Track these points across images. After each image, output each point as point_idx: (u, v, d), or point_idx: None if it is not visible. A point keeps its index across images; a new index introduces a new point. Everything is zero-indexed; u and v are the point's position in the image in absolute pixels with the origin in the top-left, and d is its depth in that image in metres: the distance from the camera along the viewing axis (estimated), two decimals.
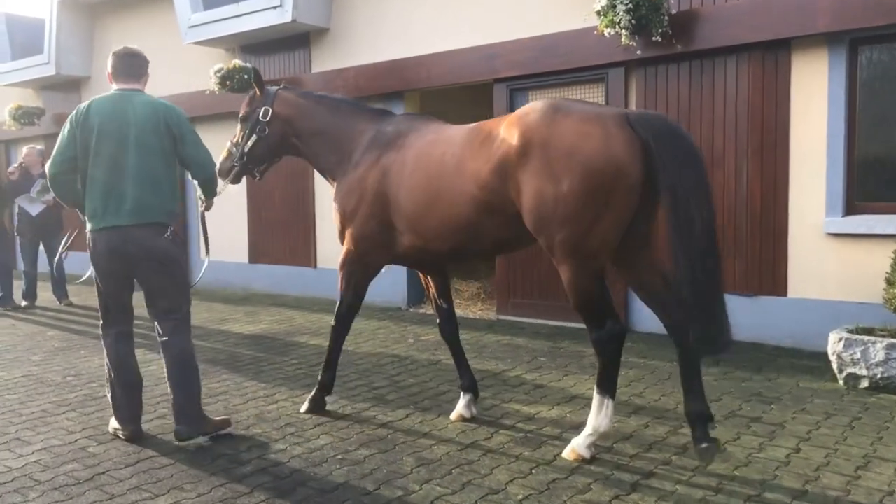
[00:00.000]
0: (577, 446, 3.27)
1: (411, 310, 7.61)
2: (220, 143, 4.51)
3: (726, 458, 3.27)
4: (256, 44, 8.70)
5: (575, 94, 6.39)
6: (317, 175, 8.06)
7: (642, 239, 3.16)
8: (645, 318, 6.05)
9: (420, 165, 3.49)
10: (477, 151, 3.26)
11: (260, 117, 4.03)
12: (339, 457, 3.38)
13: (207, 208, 4.10)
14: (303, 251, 8.60)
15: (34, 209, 7.95)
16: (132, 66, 3.67)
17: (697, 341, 2.98)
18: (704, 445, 3.02)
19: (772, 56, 5.41)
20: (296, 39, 8.41)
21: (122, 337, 3.69)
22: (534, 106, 3.17)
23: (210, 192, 3.92)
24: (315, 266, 8.51)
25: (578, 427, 3.65)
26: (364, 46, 7.86)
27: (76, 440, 3.68)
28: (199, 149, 3.69)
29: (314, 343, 5.95)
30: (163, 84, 9.65)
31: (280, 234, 8.84)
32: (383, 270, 7.56)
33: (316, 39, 8.31)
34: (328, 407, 4.11)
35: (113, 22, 10.73)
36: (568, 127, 2.98)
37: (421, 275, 4.17)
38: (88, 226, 3.54)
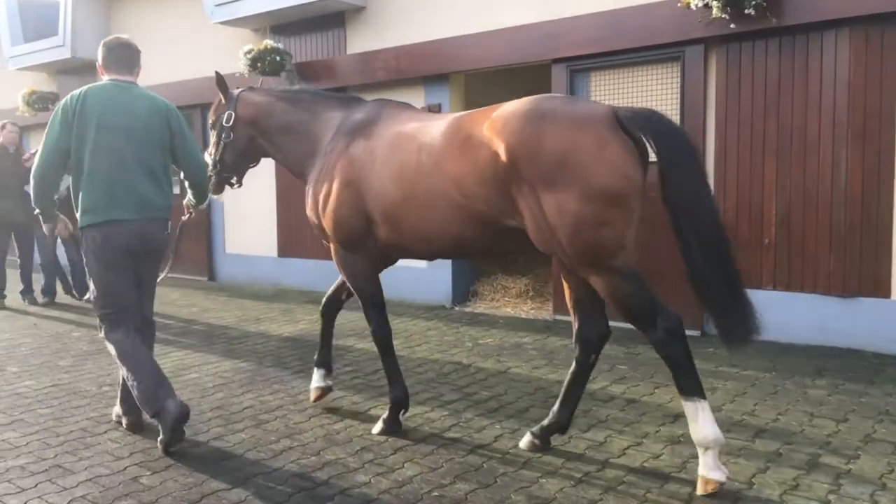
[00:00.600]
0: (706, 473, 2.77)
1: (457, 308, 7.12)
2: None
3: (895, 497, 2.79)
4: (288, 23, 8.15)
5: (647, 74, 5.85)
6: None
7: None
8: None
9: (393, 157, 3.27)
10: (458, 154, 3.02)
11: (224, 123, 3.89)
12: (435, 493, 2.90)
13: (193, 214, 3.97)
14: None
15: None
16: (125, 57, 3.50)
17: (719, 333, 2.88)
18: (537, 443, 3.27)
19: (877, 30, 4.86)
20: (330, 18, 7.87)
21: (132, 332, 3.45)
22: (516, 109, 2.91)
23: (202, 196, 3.81)
24: None
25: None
26: (404, 25, 7.32)
27: (125, 468, 3.21)
28: (196, 150, 3.64)
29: (363, 347, 5.48)
30: (186, 66, 9.17)
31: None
32: (425, 265, 7.16)
33: (352, 18, 7.77)
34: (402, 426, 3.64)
35: (131, 2, 10.19)
36: (557, 135, 2.76)
37: None
38: (86, 219, 3.35)
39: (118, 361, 3.43)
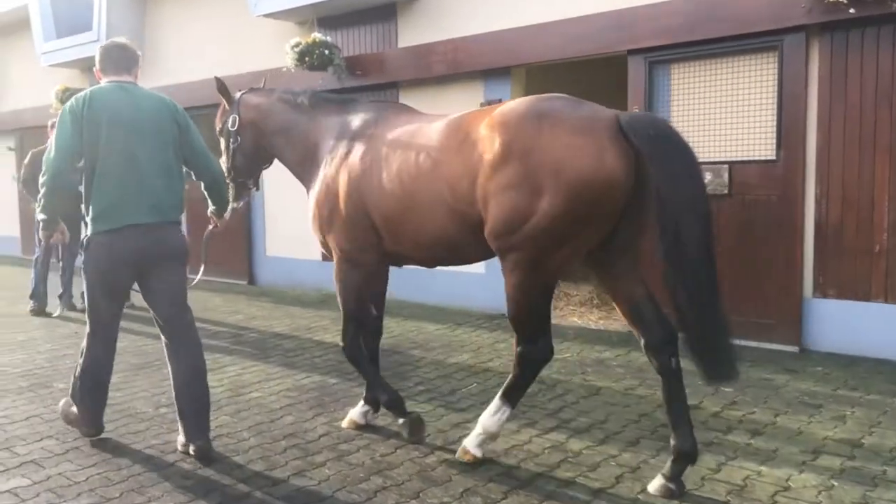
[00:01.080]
0: (468, 444, 3.18)
1: None
2: None
3: None
4: (335, 15, 7.76)
5: (737, 66, 5.37)
6: None
7: (630, 249, 2.91)
8: (824, 335, 5.07)
9: (392, 161, 3.17)
10: (455, 155, 2.92)
11: (229, 127, 3.85)
12: None
13: (219, 224, 3.79)
14: None
15: None
16: (122, 58, 3.42)
17: (698, 369, 2.70)
18: (672, 486, 2.83)
19: None
20: (380, 10, 7.46)
21: (112, 344, 3.46)
22: (516, 108, 2.82)
23: (221, 198, 3.67)
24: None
25: None
26: (461, 16, 6.89)
27: None
28: (205, 146, 3.54)
29: (433, 359, 5.06)
30: (226, 62, 8.79)
31: None
32: (483, 270, 6.74)
33: (403, 9, 7.35)
34: (500, 459, 3.22)
35: None
36: (556, 138, 2.66)
37: None
38: (97, 226, 3.23)
39: (80, 359, 3.44)
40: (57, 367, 5.10)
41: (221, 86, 3.83)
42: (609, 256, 2.87)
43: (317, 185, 3.48)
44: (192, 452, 3.30)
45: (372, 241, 3.29)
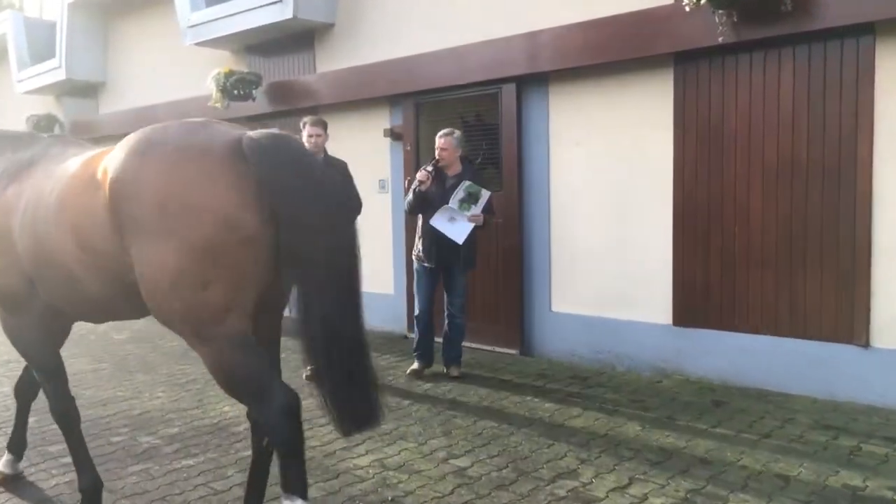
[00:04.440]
0: None
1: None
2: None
3: None
4: None
5: None
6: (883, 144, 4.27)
7: (267, 309, 2.51)
8: None
9: (31, 202, 2.78)
10: (76, 198, 2.53)
11: None
12: None
13: None
14: (830, 309, 4.60)
15: (459, 232, 4.84)
16: None
17: (341, 419, 2.37)
18: None
19: None
20: None
21: None
22: (128, 140, 2.45)
23: None
24: (866, 342, 4.51)
25: None
26: None
27: None
28: None
29: None
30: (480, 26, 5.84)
31: (760, 273, 4.87)
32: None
33: None
34: None
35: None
36: (156, 173, 2.30)
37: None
38: None
39: None
40: None
41: None
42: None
43: None
44: None
45: (21, 288, 2.87)
